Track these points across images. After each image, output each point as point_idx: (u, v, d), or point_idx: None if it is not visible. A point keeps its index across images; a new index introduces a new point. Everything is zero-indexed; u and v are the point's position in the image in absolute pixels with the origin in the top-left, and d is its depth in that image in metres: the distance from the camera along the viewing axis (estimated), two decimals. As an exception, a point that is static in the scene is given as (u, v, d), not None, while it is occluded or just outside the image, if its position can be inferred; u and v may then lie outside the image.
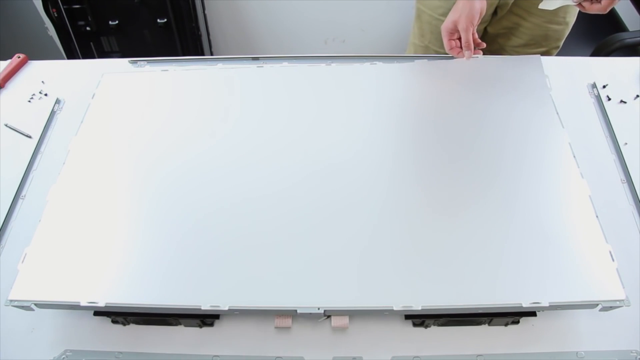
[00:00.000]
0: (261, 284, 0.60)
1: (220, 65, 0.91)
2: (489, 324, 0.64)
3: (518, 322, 0.64)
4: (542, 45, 1.04)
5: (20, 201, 0.78)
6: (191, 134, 0.76)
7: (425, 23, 1.07)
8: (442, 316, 0.62)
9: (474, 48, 0.83)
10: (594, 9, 0.75)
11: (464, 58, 0.83)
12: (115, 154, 0.74)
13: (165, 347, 0.64)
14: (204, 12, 1.71)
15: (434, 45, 1.09)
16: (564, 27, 1.00)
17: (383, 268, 0.61)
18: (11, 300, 0.60)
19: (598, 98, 0.89)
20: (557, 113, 0.74)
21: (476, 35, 0.83)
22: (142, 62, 0.97)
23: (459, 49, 0.84)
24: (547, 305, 0.57)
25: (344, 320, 0.63)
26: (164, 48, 1.66)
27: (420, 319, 0.64)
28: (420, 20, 1.08)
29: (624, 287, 0.58)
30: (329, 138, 0.74)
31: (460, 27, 0.79)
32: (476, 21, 0.80)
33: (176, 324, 0.65)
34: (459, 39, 0.83)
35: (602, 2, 0.74)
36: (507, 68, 0.82)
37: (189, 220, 0.66)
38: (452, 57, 0.86)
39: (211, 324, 0.66)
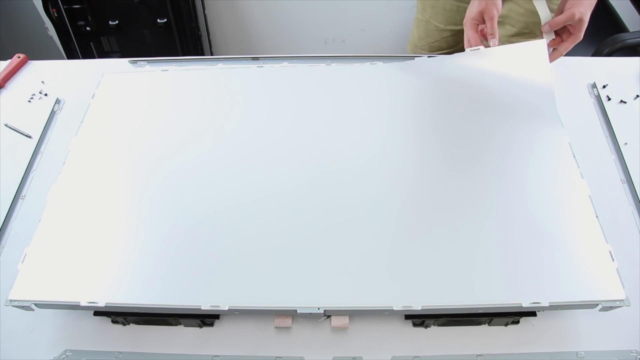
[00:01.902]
0: (261, 284, 0.60)
1: (220, 65, 0.91)
2: (489, 324, 0.64)
3: (518, 322, 0.64)
4: (536, 34, 1.02)
5: (20, 201, 0.78)
6: (192, 134, 0.76)
7: None
8: (442, 316, 0.62)
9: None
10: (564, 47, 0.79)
11: (490, 46, 0.80)
12: (115, 154, 0.74)
13: (165, 347, 0.64)
14: (204, 12, 1.71)
15: (434, 20, 1.11)
16: None
17: (383, 268, 0.61)
18: (11, 300, 0.60)
19: (598, 98, 0.89)
20: (558, 112, 0.74)
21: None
22: (142, 62, 0.97)
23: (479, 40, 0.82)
24: (547, 305, 0.57)
25: (344, 320, 0.63)
26: (164, 48, 1.66)
27: (420, 319, 0.64)
28: None
29: (624, 287, 0.58)
30: (329, 138, 0.74)
31: (488, 16, 0.78)
32: (500, 7, 0.79)
33: (176, 324, 0.65)
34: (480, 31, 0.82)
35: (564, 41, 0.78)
36: (509, 59, 0.80)
37: (189, 220, 0.66)
38: (448, 54, 0.85)
39: (211, 324, 0.66)
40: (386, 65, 0.84)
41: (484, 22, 0.80)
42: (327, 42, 1.88)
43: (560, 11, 0.79)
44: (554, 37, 0.80)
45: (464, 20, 0.83)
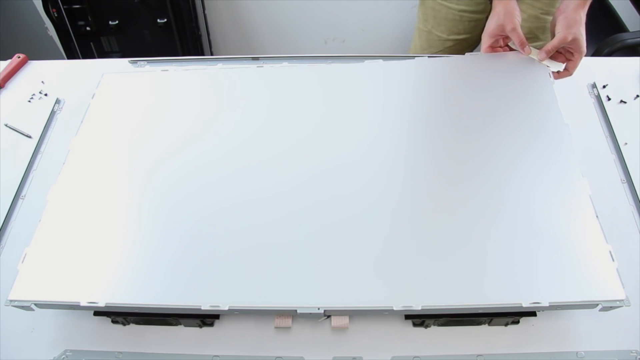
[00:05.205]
0: (261, 284, 0.60)
1: (220, 65, 0.91)
2: (489, 324, 0.64)
3: (518, 322, 0.64)
4: (540, 39, 1.03)
5: (20, 201, 0.78)
6: (191, 134, 0.76)
7: (429, 8, 1.08)
8: (442, 316, 0.62)
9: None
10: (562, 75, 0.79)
11: (524, 55, 0.81)
12: (115, 154, 0.74)
13: (165, 347, 0.64)
14: (204, 12, 1.72)
15: (436, 30, 1.10)
16: None
17: (383, 268, 0.61)
18: (11, 300, 0.60)
19: (598, 98, 0.89)
20: (560, 109, 0.74)
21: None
22: (142, 62, 0.97)
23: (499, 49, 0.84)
24: (547, 305, 0.57)
25: (344, 320, 0.63)
26: (164, 48, 1.66)
27: (420, 319, 0.64)
28: (424, 6, 1.10)
29: (624, 287, 0.58)
30: (329, 138, 0.74)
31: (508, 30, 0.79)
32: (518, 19, 0.79)
33: (176, 324, 0.65)
34: (501, 45, 0.83)
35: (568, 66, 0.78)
36: (508, 64, 0.81)
37: (189, 220, 0.66)
38: (448, 55, 0.85)
39: (211, 324, 0.66)
40: (387, 64, 0.84)
41: (502, 35, 0.81)
42: (327, 42, 1.88)
43: (552, 32, 0.79)
44: (562, 63, 0.79)
45: (482, 34, 0.83)
